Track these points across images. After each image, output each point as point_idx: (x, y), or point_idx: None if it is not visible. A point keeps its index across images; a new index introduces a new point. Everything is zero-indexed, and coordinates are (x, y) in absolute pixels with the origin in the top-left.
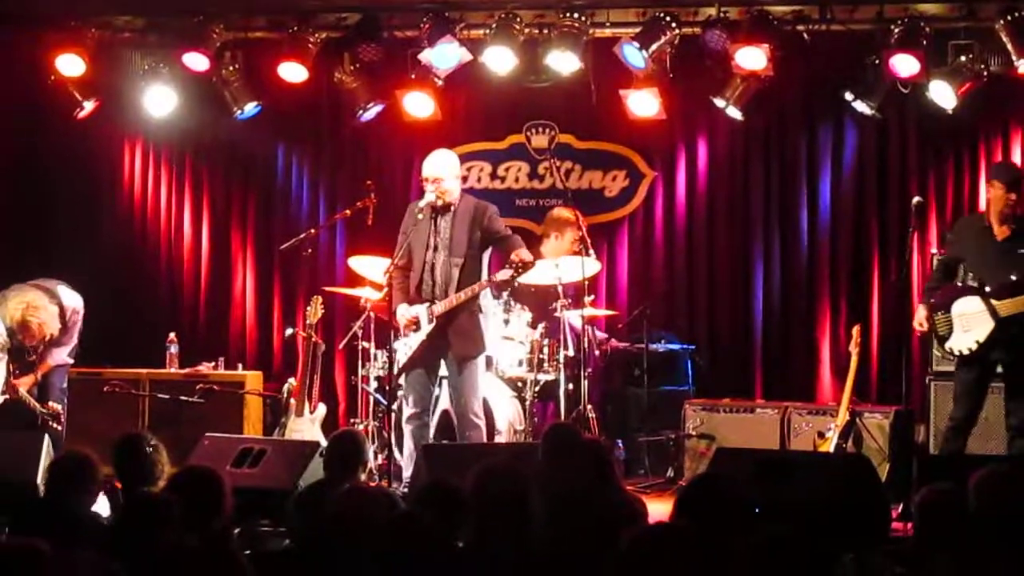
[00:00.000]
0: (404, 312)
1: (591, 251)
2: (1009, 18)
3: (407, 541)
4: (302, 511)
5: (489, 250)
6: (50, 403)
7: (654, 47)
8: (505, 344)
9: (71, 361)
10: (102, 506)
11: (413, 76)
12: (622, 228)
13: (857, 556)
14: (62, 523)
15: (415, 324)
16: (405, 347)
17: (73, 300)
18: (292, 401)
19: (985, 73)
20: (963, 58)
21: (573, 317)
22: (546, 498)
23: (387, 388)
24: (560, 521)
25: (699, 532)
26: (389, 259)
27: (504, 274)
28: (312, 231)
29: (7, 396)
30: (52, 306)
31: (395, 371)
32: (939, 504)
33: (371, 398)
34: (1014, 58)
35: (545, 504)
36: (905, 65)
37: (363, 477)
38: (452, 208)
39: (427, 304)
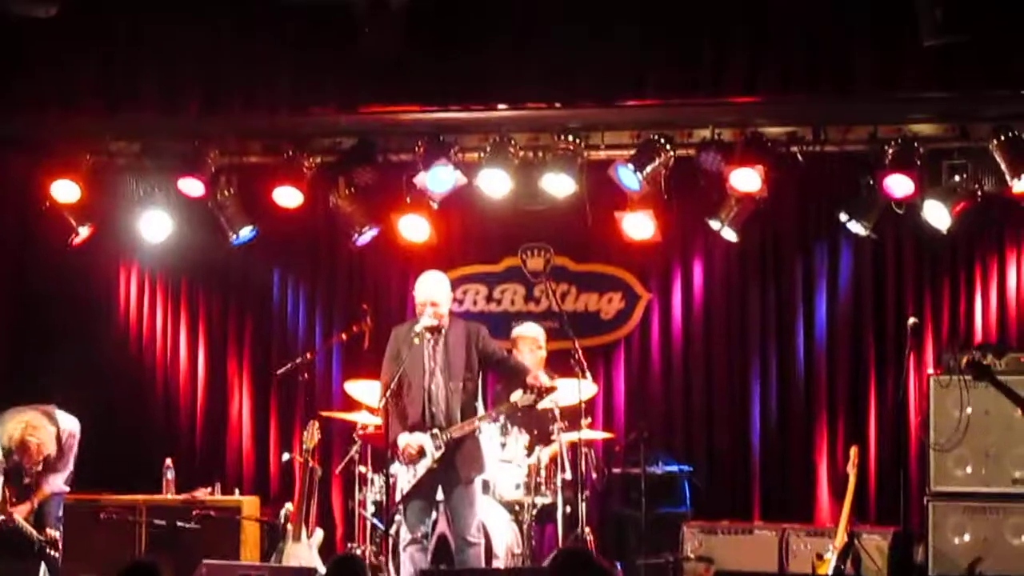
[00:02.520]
0: (408, 440)
1: (587, 373)
2: (1002, 138)
3: None
4: None
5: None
6: (47, 530)
7: (649, 169)
8: (502, 467)
9: (67, 489)
10: None
11: (408, 200)
12: (619, 350)
13: None
14: None
15: (420, 453)
16: (408, 474)
17: (69, 423)
18: (289, 526)
19: (979, 193)
20: (957, 178)
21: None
22: None
23: (385, 513)
24: None
25: None
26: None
27: (527, 399)
28: (308, 356)
29: (4, 521)
30: (50, 427)
31: (396, 497)
32: None
33: (368, 523)
34: (1008, 177)
35: None
36: (899, 185)
37: None
38: (443, 331)
39: (432, 431)
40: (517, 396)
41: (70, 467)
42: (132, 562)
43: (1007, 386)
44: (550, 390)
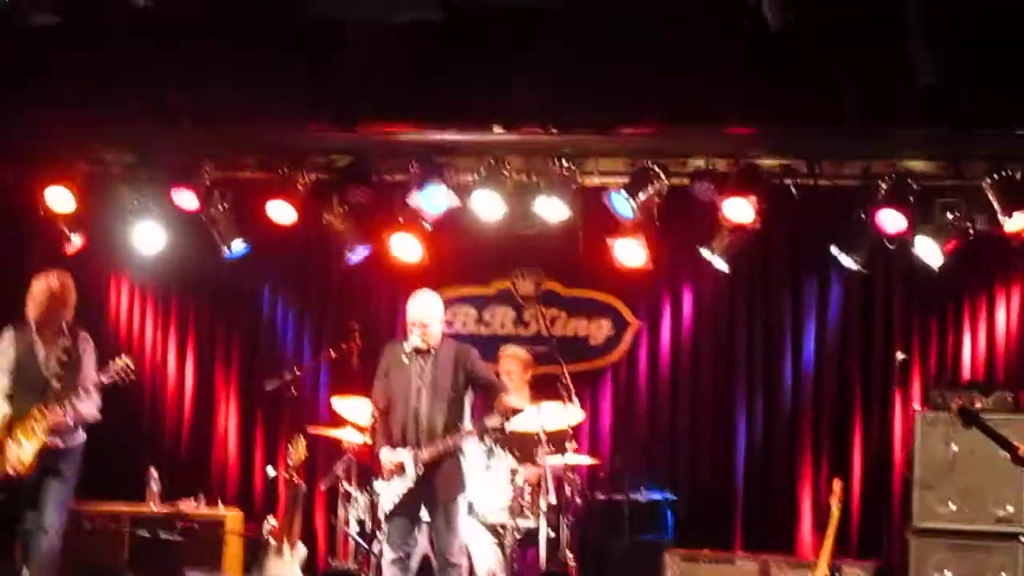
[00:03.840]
0: (389, 456)
1: (574, 399)
2: (995, 177)
3: None
4: None
5: (471, 394)
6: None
7: (642, 196)
8: (486, 489)
9: (98, 415)
10: None
11: (401, 220)
12: (606, 377)
13: None
14: None
15: (400, 469)
16: (389, 491)
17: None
18: (272, 541)
19: (971, 231)
20: (949, 215)
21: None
22: None
23: (368, 531)
24: None
25: None
26: (370, 400)
27: (494, 421)
28: (296, 371)
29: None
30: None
31: (379, 514)
32: None
33: (351, 540)
34: (1000, 217)
35: None
36: (892, 221)
37: None
38: (433, 351)
39: (412, 450)
40: (489, 419)
41: (94, 395)
42: (93, 571)
43: (995, 432)
44: (515, 411)
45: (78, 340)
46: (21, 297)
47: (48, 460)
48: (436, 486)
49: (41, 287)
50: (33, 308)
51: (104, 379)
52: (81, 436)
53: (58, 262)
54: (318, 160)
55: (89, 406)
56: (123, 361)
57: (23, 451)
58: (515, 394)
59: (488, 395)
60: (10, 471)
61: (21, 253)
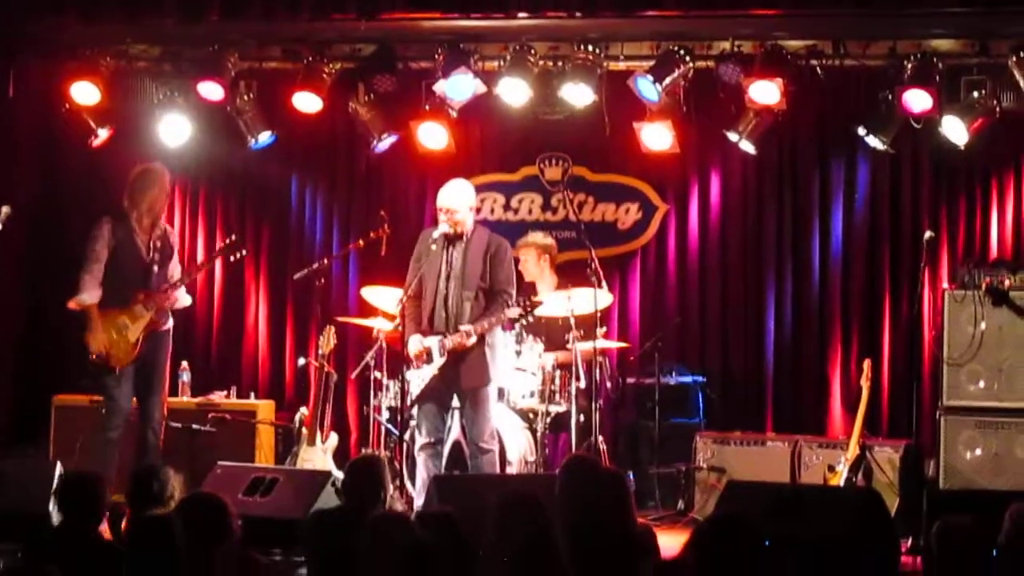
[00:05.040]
0: (417, 343)
1: (603, 283)
2: (1021, 55)
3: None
4: (325, 537)
5: None
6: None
7: (668, 80)
8: (517, 375)
9: (188, 301)
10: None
11: (427, 107)
12: (634, 261)
13: None
14: (74, 548)
15: (427, 356)
16: (418, 378)
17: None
18: (304, 430)
19: (997, 109)
20: (976, 94)
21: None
22: (564, 528)
23: (399, 418)
24: (577, 552)
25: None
26: (401, 289)
27: (513, 312)
28: (325, 261)
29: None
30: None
31: (408, 401)
32: (956, 538)
33: (383, 428)
34: None
35: (563, 534)
36: (918, 101)
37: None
38: (465, 238)
39: (439, 337)
40: (510, 309)
41: (185, 284)
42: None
43: None
44: (535, 304)
45: (167, 232)
46: (48, 192)
47: (148, 344)
48: (462, 374)
49: (140, 179)
50: (133, 199)
51: (212, 261)
52: (171, 321)
53: (85, 155)
54: (343, 49)
55: (182, 292)
56: (232, 240)
57: (129, 333)
58: (539, 284)
59: (490, 299)
60: (114, 356)
61: (49, 147)
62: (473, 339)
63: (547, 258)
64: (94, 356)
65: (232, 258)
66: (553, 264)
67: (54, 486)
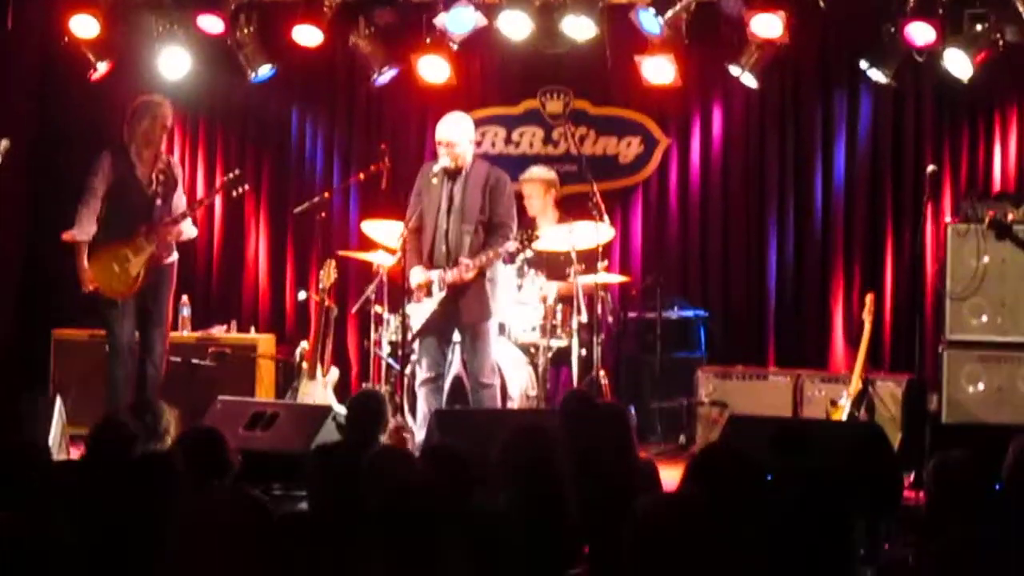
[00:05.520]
0: (418, 275)
1: (605, 217)
2: None
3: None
4: (327, 471)
5: None
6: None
7: (670, 13)
8: (518, 309)
9: (195, 232)
10: None
11: (428, 40)
12: (636, 194)
13: (869, 524)
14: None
15: (427, 289)
16: (418, 312)
17: None
18: (304, 365)
19: (1001, 42)
20: (979, 27)
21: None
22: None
23: (400, 353)
24: (579, 485)
25: (712, 500)
26: (402, 223)
27: (511, 246)
28: (326, 195)
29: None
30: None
31: (408, 336)
32: (954, 471)
33: (383, 362)
34: None
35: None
36: (921, 33)
37: (384, 439)
38: (464, 172)
39: (439, 271)
40: (507, 244)
41: (190, 216)
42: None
43: None
44: (533, 237)
45: (171, 163)
46: (46, 125)
47: (150, 277)
48: (462, 309)
49: (135, 112)
50: (131, 132)
51: (212, 197)
52: (175, 255)
53: (84, 88)
54: None
55: (187, 224)
56: (235, 174)
57: (131, 266)
58: (541, 218)
59: (490, 232)
60: (114, 289)
61: (48, 79)
62: (472, 273)
63: (553, 192)
64: (86, 291)
65: (234, 193)
66: (556, 199)
67: (54, 425)
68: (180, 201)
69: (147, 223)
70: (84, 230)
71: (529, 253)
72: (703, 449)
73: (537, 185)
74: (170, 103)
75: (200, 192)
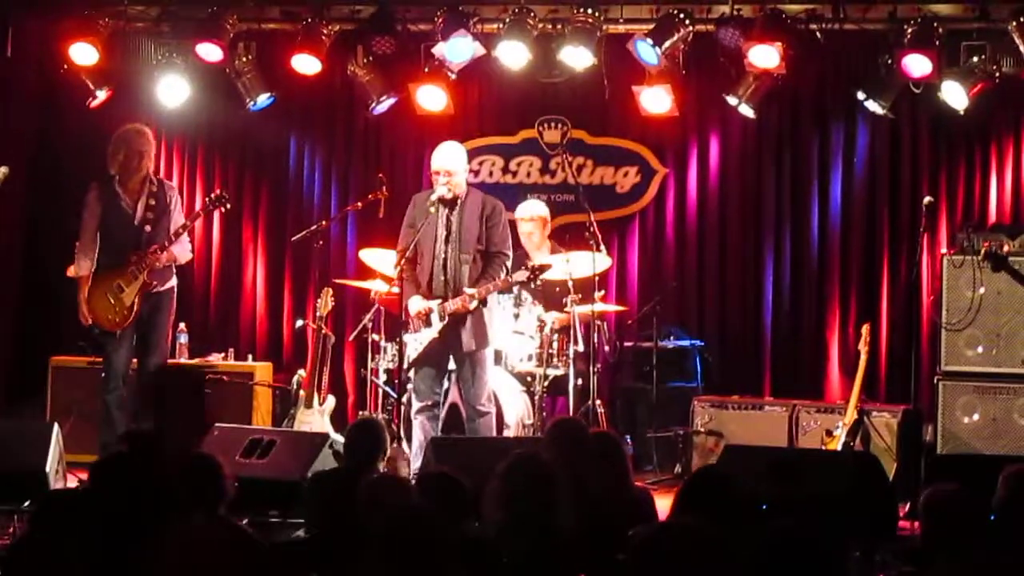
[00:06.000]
0: (417, 305)
1: (602, 246)
2: (1022, 20)
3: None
4: (323, 499)
5: None
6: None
7: (667, 44)
8: (515, 338)
9: (190, 256)
10: None
11: (427, 69)
12: (633, 224)
13: (864, 554)
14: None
15: (426, 319)
16: (416, 341)
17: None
18: (302, 392)
19: (997, 74)
20: (975, 59)
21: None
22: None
23: (396, 381)
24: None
25: (705, 528)
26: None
27: (520, 275)
28: (323, 223)
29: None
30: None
31: (405, 364)
32: (945, 503)
33: (380, 391)
34: None
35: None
36: (918, 65)
37: (381, 467)
38: (460, 201)
39: (439, 300)
40: (515, 273)
41: (185, 240)
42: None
43: (1022, 274)
44: (543, 268)
45: (164, 188)
46: (46, 153)
47: (146, 304)
48: (461, 337)
49: (115, 143)
50: (113, 163)
51: (194, 219)
52: (173, 280)
53: (83, 115)
54: (342, 10)
55: (180, 248)
56: (215, 193)
57: (125, 296)
58: (538, 252)
59: (487, 262)
60: (110, 320)
61: (48, 107)
62: (475, 303)
63: (549, 226)
64: (84, 324)
65: (218, 212)
66: (549, 231)
67: (51, 450)
68: (177, 223)
69: (137, 251)
70: (82, 265)
71: (538, 283)
72: (695, 473)
73: (538, 222)
74: (149, 131)
75: (199, 221)
